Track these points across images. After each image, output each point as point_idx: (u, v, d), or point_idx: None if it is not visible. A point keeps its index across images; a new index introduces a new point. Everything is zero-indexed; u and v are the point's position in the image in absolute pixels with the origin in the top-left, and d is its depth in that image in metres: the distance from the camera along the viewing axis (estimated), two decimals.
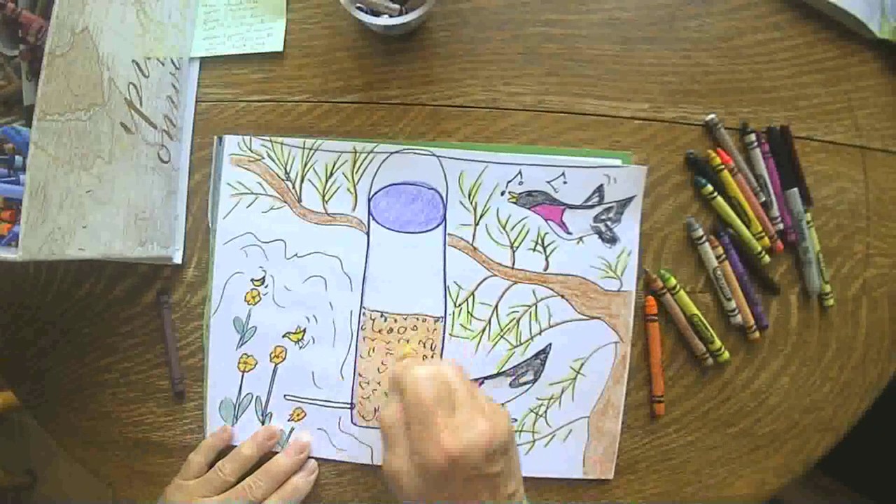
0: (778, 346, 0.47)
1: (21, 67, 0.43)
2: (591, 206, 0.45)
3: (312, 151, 0.46)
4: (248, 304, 0.47)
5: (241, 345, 0.47)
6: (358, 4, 0.42)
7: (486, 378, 0.46)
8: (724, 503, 0.47)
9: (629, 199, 0.45)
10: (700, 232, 0.45)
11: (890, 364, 0.48)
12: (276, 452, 0.46)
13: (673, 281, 0.45)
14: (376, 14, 0.42)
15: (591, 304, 0.46)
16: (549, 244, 0.46)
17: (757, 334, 0.46)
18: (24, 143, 0.42)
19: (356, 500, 0.47)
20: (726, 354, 0.46)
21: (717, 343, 0.46)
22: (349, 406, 0.47)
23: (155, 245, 0.44)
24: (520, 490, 0.37)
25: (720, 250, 0.45)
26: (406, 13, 0.41)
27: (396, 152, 0.46)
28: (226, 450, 0.46)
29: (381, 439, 0.37)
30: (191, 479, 0.44)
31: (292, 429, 0.47)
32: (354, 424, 0.47)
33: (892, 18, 0.47)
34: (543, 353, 0.46)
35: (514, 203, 0.46)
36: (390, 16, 0.42)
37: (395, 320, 0.46)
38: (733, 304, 0.45)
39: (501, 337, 0.46)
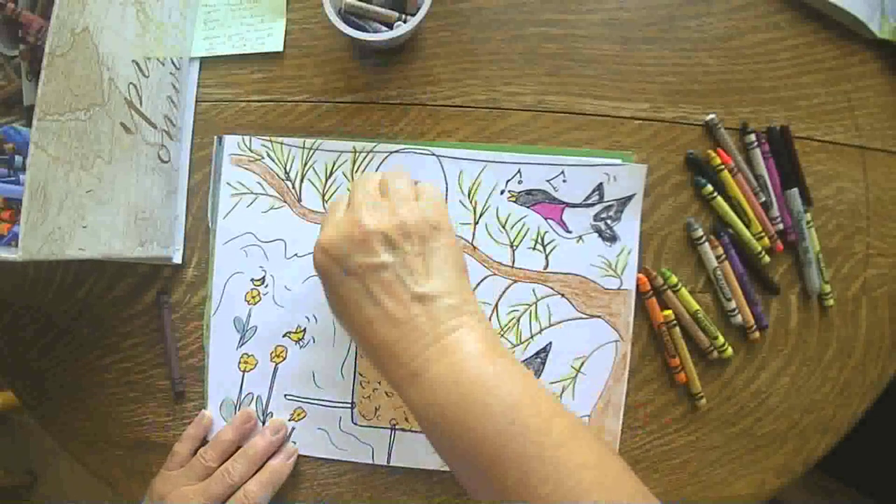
0: (778, 346, 0.47)
1: (21, 67, 0.43)
2: (591, 205, 0.45)
3: (312, 151, 0.46)
4: (249, 304, 0.47)
5: (242, 344, 0.47)
6: (351, 17, 0.42)
7: None
8: (724, 503, 0.47)
9: (629, 198, 0.45)
10: (700, 232, 0.45)
11: (890, 364, 0.48)
12: None
13: (675, 279, 0.45)
14: (363, 28, 0.42)
15: (591, 302, 0.46)
16: (548, 243, 0.46)
17: (757, 334, 0.46)
18: (24, 143, 0.42)
19: (356, 500, 0.47)
20: (730, 350, 0.46)
21: (721, 339, 0.46)
22: (349, 406, 0.47)
23: (155, 245, 0.44)
24: (451, 299, 0.32)
25: (720, 250, 0.45)
26: (405, 21, 0.42)
27: (396, 152, 0.46)
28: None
29: None
30: (175, 468, 0.45)
31: (293, 428, 0.47)
32: (355, 424, 0.47)
33: (892, 18, 0.47)
34: (544, 351, 0.46)
35: (514, 202, 0.46)
36: (376, 31, 0.42)
37: None
38: (733, 304, 0.45)
39: (501, 336, 0.46)
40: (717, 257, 0.45)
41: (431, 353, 0.31)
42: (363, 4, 0.42)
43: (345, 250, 0.33)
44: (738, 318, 0.46)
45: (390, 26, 0.43)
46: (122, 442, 0.49)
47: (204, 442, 0.46)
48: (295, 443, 0.47)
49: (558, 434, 0.29)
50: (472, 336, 0.32)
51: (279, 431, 0.46)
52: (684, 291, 0.46)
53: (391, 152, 0.46)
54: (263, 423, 0.47)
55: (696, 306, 0.45)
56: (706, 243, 0.45)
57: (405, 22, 0.42)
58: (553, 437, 0.29)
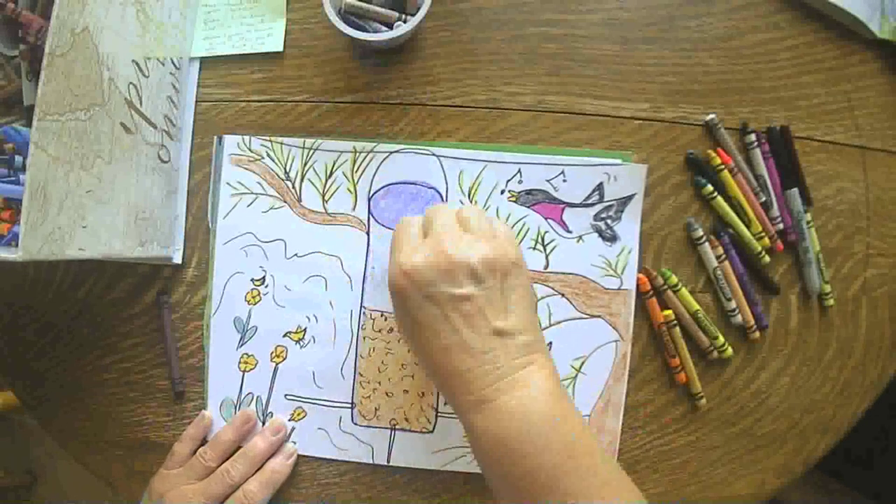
0: (778, 346, 0.47)
1: (21, 67, 0.43)
2: (591, 205, 0.45)
3: (312, 151, 0.46)
4: (249, 304, 0.47)
5: (242, 344, 0.47)
6: (351, 17, 0.42)
7: None
8: (724, 503, 0.47)
9: (629, 198, 0.45)
10: (700, 232, 0.45)
11: (890, 364, 0.48)
12: None
13: (675, 279, 0.45)
14: (363, 29, 0.42)
15: (591, 302, 0.46)
16: (548, 243, 0.46)
17: (757, 334, 0.46)
18: (24, 143, 0.42)
19: (356, 500, 0.47)
20: (730, 350, 0.46)
21: (721, 339, 0.46)
22: (350, 406, 0.47)
23: (155, 245, 0.44)
24: (525, 336, 0.34)
25: (720, 250, 0.45)
26: (405, 21, 0.42)
27: (396, 152, 0.46)
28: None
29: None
30: (175, 468, 0.45)
31: (293, 428, 0.47)
32: (355, 424, 0.47)
33: (892, 18, 0.47)
34: None
35: (514, 202, 0.46)
36: (376, 31, 0.42)
37: None
38: (733, 304, 0.45)
39: None
40: (718, 257, 0.45)
41: (502, 385, 0.33)
42: (363, 4, 0.42)
43: (429, 278, 0.34)
44: (738, 318, 0.46)
45: (390, 26, 0.43)
46: (122, 442, 0.49)
47: (204, 442, 0.46)
48: (295, 443, 0.47)
49: (605, 475, 0.32)
50: (542, 374, 0.33)
51: (279, 432, 0.46)
52: (684, 291, 0.46)
53: (391, 152, 0.46)
54: (263, 423, 0.47)
55: (696, 306, 0.45)
56: (706, 243, 0.45)
57: (405, 22, 0.42)
58: (600, 476, 0.32)
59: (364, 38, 0.41)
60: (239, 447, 0.46)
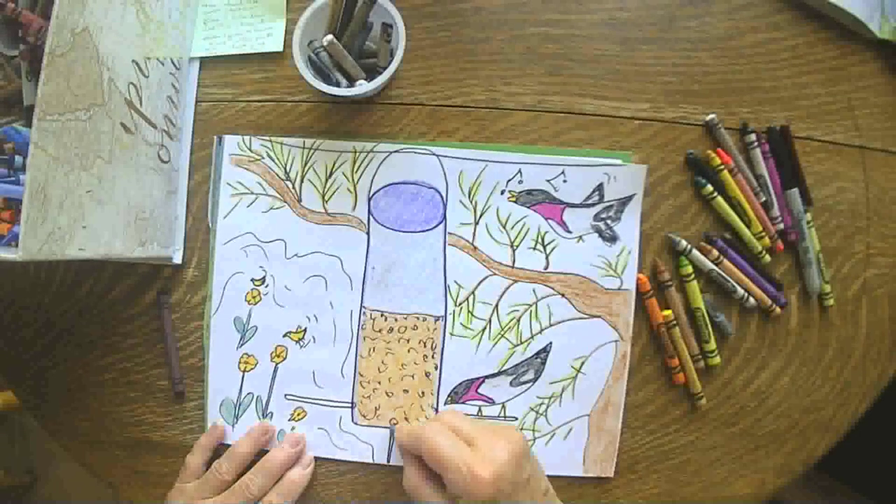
0: (778, 346, 0.47)
1: (21, 67, 0.43)
2: (592, 205, 0.45)
3: (312, 151, 0.46)
4: (249, 304, 0.47)
5: (242, 344, 0.47)
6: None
7: (486, 377, 0.46)
8: (724, 503, 0.47)
9: (629, 198, 0.45)
10: (684, 244, 0.45)
11: (890, 364, 0.48)
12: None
13: (690, 269, 0.45)
14: (332, 82, 0.43)
15: (591, 302, 0.46)
16: (549, 243, 0.46)
17: (778, 310, 0.46)
18: (24, 143, 0.42)
19: (356, 500, 0.47)
20: (717, 359, 0.46)
21: (713, 344, 0.46)
22: (350, 405, 0.47)
23: (155, 245, 0.44)
24: (548, 484, 0.40)
25: (715, 253, 0.45)
26: (370, 81, 0.42)
27: (396, 151, 0.46)
28: (222, 448, 0.46)
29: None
30: (189, 481, 0.44)
31: (293, 428, 0.47)
32: (355, 423, 0.47)
33: (892, 18, 0.47)
34: (544, 351, 0.46)
35: (514, 202, 0.46)
36: (349, 84, 0.43)
37: (396, 319, 0.46)
38: (741, 292, 0.45)
39: (502, 336, 0.46)
40: (714, 259, 0.45)
41: None
42: (336, 53, 0.42)
43: (511, 476, 0.37)
44: (752, 301, 0.46)
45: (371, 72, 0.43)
46: (123, 442, 0.48)
47: (217, 454, 0.46)
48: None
49: None
50: None
51: (298, 445, 0.46)
52: (694, 284, 0.45)
53: (391, 152, 0.46)
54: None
55: (699, 303, 0.45)
56: (695, 251, 0.45)
57: (369, 81, 0.42)
58: None
59: (334, 93, 0.41)
60: (255, 460, 0.45)
